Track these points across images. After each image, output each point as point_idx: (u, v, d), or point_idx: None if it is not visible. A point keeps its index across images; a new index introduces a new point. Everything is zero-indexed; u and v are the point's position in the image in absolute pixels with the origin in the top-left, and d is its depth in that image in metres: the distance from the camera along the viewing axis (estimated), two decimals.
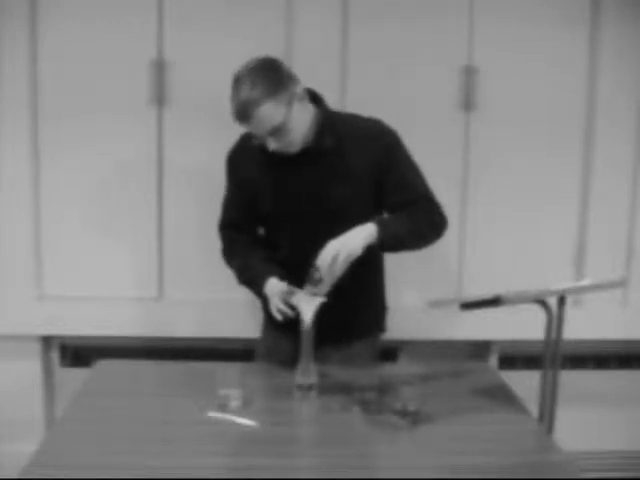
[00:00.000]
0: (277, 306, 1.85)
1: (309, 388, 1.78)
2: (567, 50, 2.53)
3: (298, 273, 1.88)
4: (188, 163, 2.51)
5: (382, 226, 1.81)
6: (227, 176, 2.04)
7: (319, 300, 1.79)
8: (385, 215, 1.94)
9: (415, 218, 1.87)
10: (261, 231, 2.07)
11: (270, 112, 1.75)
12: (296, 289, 1.82)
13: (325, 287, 1.78)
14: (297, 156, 1.87)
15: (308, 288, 1.79)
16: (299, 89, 1.81)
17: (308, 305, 1.79)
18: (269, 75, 1.76)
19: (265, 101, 1.73)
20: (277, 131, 1.78)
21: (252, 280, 1.97)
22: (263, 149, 1.86)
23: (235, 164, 2.02)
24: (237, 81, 1.76)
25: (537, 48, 2.51)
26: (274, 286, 1.88)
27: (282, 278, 1.89)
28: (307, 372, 1.78)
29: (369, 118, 1.93)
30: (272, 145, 1.82)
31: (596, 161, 2.58)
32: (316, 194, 1.90)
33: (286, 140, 1.82)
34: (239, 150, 2.01)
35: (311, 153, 1.87)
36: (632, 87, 2.55)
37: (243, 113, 1.74)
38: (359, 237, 1.77)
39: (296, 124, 1.80)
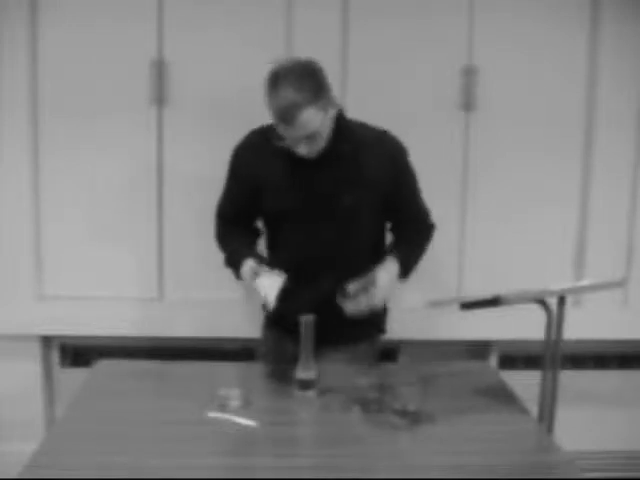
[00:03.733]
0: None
1: (309, 383, 1.78)
2: (567, 50, 2.53)
3: (299, 271, 1.92)
4: (188, 163, 2.51)
5: (404, 269, 1.95)
6: (230, 170, 2.02)
7: (280, 281, 1.80)
8: (401, 249, 1.99)
9: (423, 248, 2.04)
10: (259, 224, 2.08)
11: (311, 117, 1.73)
12: (263, 269, 1.83)
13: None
14: (314, 162, 1.87)
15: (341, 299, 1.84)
16: (333, 96, 1.81)
17: (270, 286, 1.80)
18: (313, 79, 1.75)
19: (309, 106, 1.72)
20: (312, 136, 1.78)
21: (233, 264, 1.98)
22: (281, 149, 1.85)
23: (242, 159, 1.99)
24: (279, 80, 1.72)
25: (537, 48, 2.51)
26: (247, 269, 1.87)
27: (261, 260, 1.90)
28: (307, 367, 1.78)
29: (380, 128, 1.95)
30: (302, 150, 1.81)
31: (596, 161, 2.58)
32: (328, 198, 1.91)
33: (316, 145, 1.81)
34: (249, 146, 1.99)
35: (327, 157, 1.87)
36: (632, 87, 2.55)
37: (286, 116, 1.72)
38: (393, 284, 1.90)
39: (326, 130, 1.81)
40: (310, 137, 1.78)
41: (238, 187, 2.01)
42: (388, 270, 1.89)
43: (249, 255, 1.91)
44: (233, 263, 1.98)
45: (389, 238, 2.09)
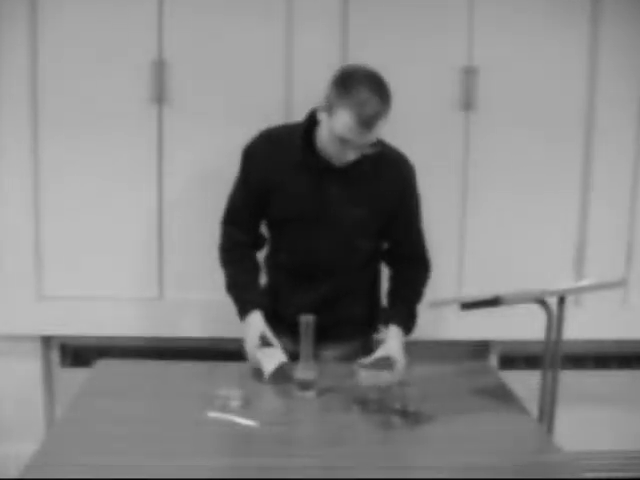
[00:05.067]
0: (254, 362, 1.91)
1: (309, 384, 1.78)
2: (567, 49, 2.53)
3: (298, 274, 1.98)
4: (188, 163, 2.51)
5: (408, 330, 2.00)
6: (241, 170, 1.99)
7: (281, 360, 1.85)
8: (406, 305, 2.02)
9: (422, 296, 2.07)
10: (263, 229, 2.08)
11: (382, 126, 1.75)
12: (269, 336, 1.89)
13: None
14: (329, 170, 1.87)
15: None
16: None
17: (270, 360, 1.85)
18: (389, 90, 1.76)
19: (386, 115, 1.74)
20: (368, 145, 1.78)
21: (236, 301, 2.01)
22: (294, 154, 1.87)
23: (254, 160, 1.96)
24: (361, 86, 1.72)
25: (537, 48, 2.51)
26: (254, 329, 1.92)
27: (264, 306, 1.97)
28: (307, 367, 1.78)
29: (396, 148, 1.96)
30: (351, 156, 1.80)
31: (596, 161, 2.58)
32: (337, 209, 1.91)
33: (359, 155, 1.82)
34: (261, 147, 1.96)
35: (341, 168, 1.86)
36: (632, 87, 2.55)
37: (369, 123, 1.71)
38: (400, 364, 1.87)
39: None
40: (365, 145, 1.78)
41: (250, 188, 1.98)
42: (399, 344, 1.92)
43: (256, 306, 1.96)
44: (235, 299, 2.01)
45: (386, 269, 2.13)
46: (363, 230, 1.96)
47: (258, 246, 2.09)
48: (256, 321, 1.94)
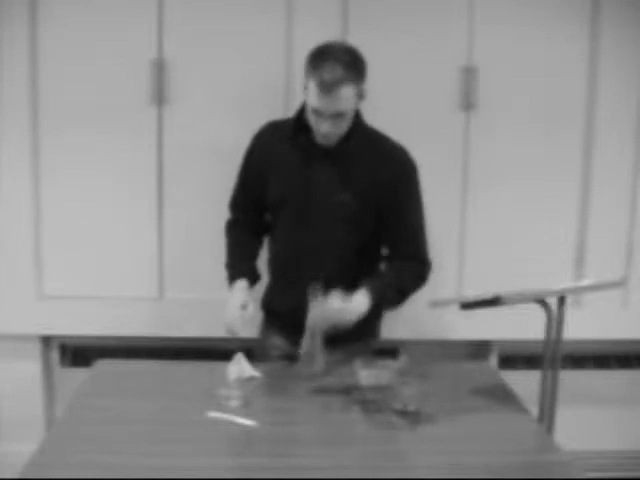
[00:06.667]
0: (230, 324, 1.88)
1: (315, 358, 1.79)
2: (567, 49, 2.53)
3: (290, 266, 2.00)
4: (188, 163, 2.51)
5: (377, 299, 1.89)
6: (244, 157, 2.06)
7: (248, 376, 1.81)
8: (382, 279, 1.96)
9: (408, 286, 1.99)
10: (268, 217, 2.10)
11: (349, 95, 1.79)
12: (251, 306, 1.87)
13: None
14: (322, 154, 1.89)
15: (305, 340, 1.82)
16: (365, 88, 1.86)
17: (234, 371, 1.79)
18: (358, 62, 1.81)
19: (351, 83, 1.78)
20: (339, 116, 1.81)
21: (227, 269, 2.03)
22: (293, 139, 1.90)
23: (254, 148, 2.03)
24: (328, 54, 1.78)
25: (537, 48, 2.51)
26: (236, 294, 1.92)
27: (253, 278, 1.98)
28: (313, 360, 1.79)
29: (397, 143, 1.97)
30: (325, 128, 1.83)
31: (596, 160, 2.58)
32: (326, 192, 1.92)
33: (337, 129, 1.84)
34: (264, 133, 2.03)
35: (335, 153, 1.89)
36: (633, 87, 2.55)
37: (330, 86, 1.75)
38: (355, 313, 1.84)
39: (350, 116, 1.85)
40: (337, 117, 1.81)
41: (247, 174, 2.04)
42: (353, 303, 1.86)
43: (244, 275, 1.97)
44: (227, 272, 2.03)
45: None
46: (351, 218, 1.93)
47: (261, 229, 2.10)
48: (241, 287, 1.94)
